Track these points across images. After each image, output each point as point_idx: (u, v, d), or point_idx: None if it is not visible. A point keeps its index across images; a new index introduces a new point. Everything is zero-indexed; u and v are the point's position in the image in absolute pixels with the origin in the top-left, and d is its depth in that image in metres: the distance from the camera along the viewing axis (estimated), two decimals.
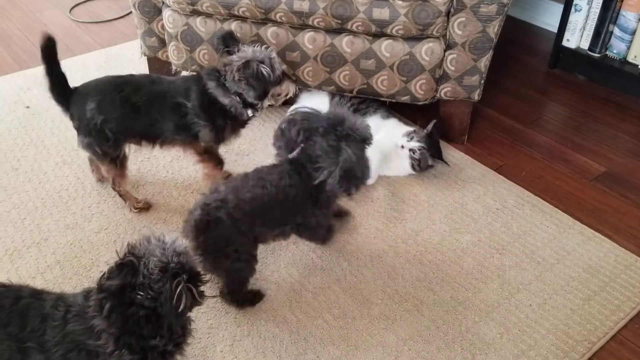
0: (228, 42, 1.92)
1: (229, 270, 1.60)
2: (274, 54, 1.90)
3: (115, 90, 1.84)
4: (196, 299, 1.22)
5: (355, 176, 1.61)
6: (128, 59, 2.92)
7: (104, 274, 1.19)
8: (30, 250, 1.85)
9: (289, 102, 2.44)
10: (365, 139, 1.64)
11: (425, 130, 2.17)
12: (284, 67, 1.96)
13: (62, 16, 3.37)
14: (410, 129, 2.20)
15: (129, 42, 3.08)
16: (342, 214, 1.97)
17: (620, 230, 1.98)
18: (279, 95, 1.98)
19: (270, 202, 1.59)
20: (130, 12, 3.27)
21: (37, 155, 2.25)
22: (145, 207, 2.02)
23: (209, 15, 2.16)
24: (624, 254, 1.88)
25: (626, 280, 1.79)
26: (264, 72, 1.84)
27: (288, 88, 1.97)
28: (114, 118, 1.83)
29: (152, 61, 2.53)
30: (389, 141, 2.15)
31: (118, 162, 1.91)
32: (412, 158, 2.11)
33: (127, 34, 3.18)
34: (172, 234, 1.25)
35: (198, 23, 2.18)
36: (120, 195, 2.01)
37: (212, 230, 1.51)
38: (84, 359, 1.21)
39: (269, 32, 2.14)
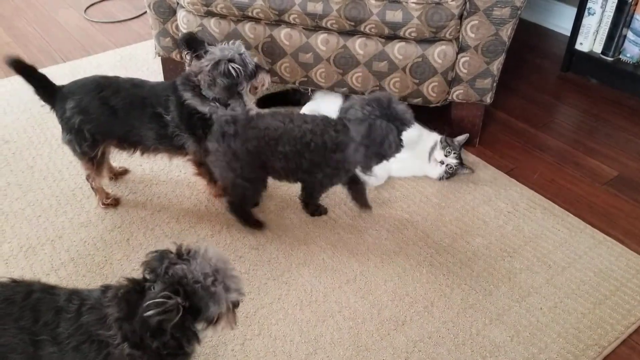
0: (192, 44, 1.88)
1: (234, 184, 1.84)
2: (243, 49, 1.85)
3: (96, 91, 1.83)
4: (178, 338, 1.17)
5: (377, 151, 1.72)
6: (142, 59, 2.94)
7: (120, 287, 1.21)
8: (45, 248, 1.88)
9: (301, 103, 2.47)
10: (402, 121, 1.74)
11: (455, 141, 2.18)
12: (256, 59, 1.94)
13: (77, 16, 3.40)
14: (437, 136, 2.20)
15: (143, 42, 3.10)
16: (360, 201, 1.99)
17: (631, 235, 1.98)
18: (256, 88, 1.94)
19: (286, 137, 1.76)
20: (145, 12, 3.30)
21: (52, 154, 2.28)
22: (113, 204, 2.04)
23: (223, 17, 2.18)
24: (635, 258, 1.87)
25: (637, 285, 1.78)
26: (232, 71, 1.80)
27: (264, 79, 1.93)
28: (92, 119, 1.83)
29: (166, 61, 2.55)
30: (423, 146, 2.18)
31: (95, 162, 1.92)
32: (446, 172, 2.14)
33: (141, 34, 3.20)
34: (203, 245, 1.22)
35: (212, 24, 2.19)
36: (92, 188, 2.02)
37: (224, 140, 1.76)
38: (95, 349, 1.22)
39: (282, 33, 2.15)
